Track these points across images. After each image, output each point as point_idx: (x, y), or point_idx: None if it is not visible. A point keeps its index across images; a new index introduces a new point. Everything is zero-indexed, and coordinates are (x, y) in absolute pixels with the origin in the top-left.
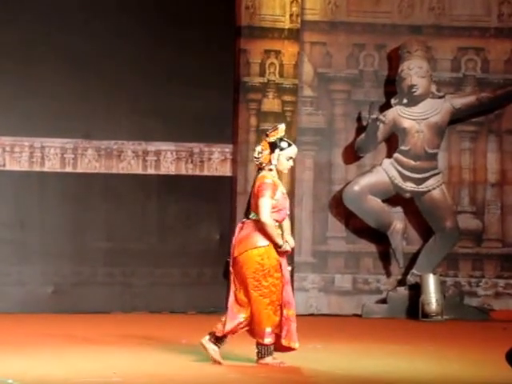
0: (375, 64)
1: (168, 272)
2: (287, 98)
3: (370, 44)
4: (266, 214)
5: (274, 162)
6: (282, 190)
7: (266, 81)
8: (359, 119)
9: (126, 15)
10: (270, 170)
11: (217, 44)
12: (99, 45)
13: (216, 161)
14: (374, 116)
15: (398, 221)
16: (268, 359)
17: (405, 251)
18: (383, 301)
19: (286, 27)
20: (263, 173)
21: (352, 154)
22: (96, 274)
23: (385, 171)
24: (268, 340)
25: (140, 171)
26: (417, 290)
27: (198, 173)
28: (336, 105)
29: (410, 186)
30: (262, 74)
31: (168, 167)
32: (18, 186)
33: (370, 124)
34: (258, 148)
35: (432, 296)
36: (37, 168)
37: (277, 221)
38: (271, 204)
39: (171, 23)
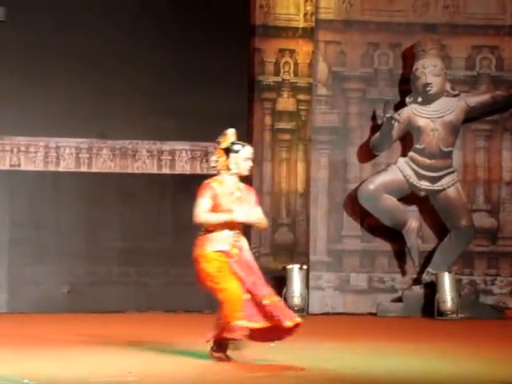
0: (390, 63)
1: (183, 271)
2: (302, 96)
3: (384, 43)
4: (197, 213)
5: (231, 166)
6: (226, 191)
7: (280, 80)
8: (374, 118)
9: (141, 16)
10: (231, 175)
11: (231, 43)
12: (114, 45)
13: None
14: (388, 115)
15: (413, 219)
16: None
17: (420, 250)
18: (398, 299)
19: (301, 26)
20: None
21: (367, 153)
22: (111, 274)
23: (400, 170)
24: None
25: (155, 171)
26: (432, 288)
27: (212, 172)
28: (351, 103)
29: (424, 184)
30: (277, 73)
31: (183, 166)
32: (33, 185)
33: (384, 123)
34: (214, 157)
35: (447, 294)
36: (52, 168)
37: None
38: (207, 203)
39: (185, 23)
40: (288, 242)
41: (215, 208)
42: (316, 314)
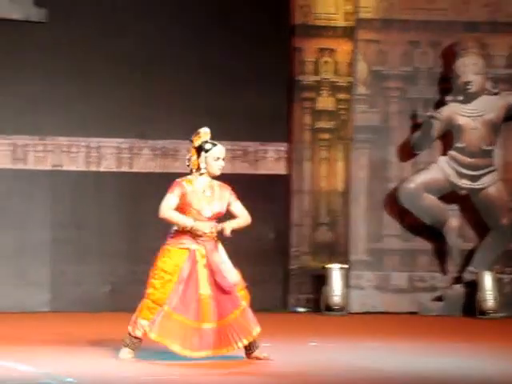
0: (430, 61)
1: None
2: (341, 96)
3: (424, 41)
4: (161, 206)
5: (202, 165)
6: (196, 189)
7: (320, 79)
8: (414, 117)
9: (181, 15)
10: (201, 174)
11: (271, 43)
12: (154, 46)
13: (271, 159)
14: (428, 113)
15: (453, 218)
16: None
17: (461, 248)
18: (439, 298)
19: (340, 25)
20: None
21: (407, 152)
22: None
23: (440, 168)
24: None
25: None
26: (473, 287)
27: (252, 171)
28: (390, 102)
29: (465, 183)
30: (317, 72)
31: (224, 166)
32: (74, 186)
33: (424, 121)
34: (188, 156)
35: (488, 293)
36: (93, 168)
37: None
38: (174, 200)
39: (226, 22)
40: (328, 241)
41: (184, 207)
42: (356, 313)
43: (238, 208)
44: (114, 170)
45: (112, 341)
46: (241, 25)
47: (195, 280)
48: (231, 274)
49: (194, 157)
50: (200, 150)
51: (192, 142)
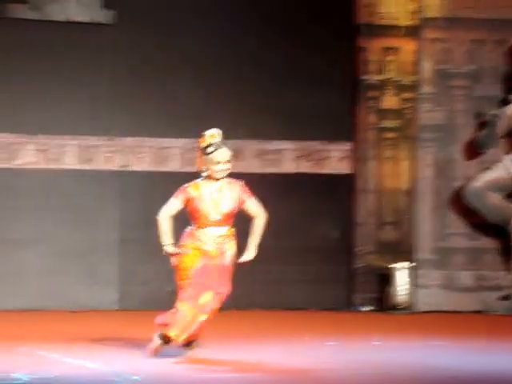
0: (495, 60)
1: (287, 269)
2: (406, 95)
3: (489, 39)
4: (162, 210)
5: (203, 168)
6: (204, 193)
7: (384, 78)
8: (479, 115)
9: (246, 15)
10: (205, 177)
11: (336, 43)
12: (219, 45)
13: (335, 159)
14: (493, 112)
15: None
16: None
17: None
18: (505, 297)
19: (405, 24)
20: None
21: (473, 151)
22: None
23: (505, 167)
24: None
25: (260, 170)
26: None
27: (317, 171)
28: (456, 101)
29: None
30: (381, 71)
31: (287, 166)
32: (142, 186)
33: (489, 120)
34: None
35: None
36: (160, 168)
37: (197, 225)
38: (176, 205)
39: (290, 22)
40: (393, 240)
41: (192, 213)
42: (421, 312)
43: (253, 206)
44: (180, 170)
45: None
46: (305, 25)
47: (205, 278)
48: (228, 283)
49: (199, 159)
50: (203, 152)
51: (199, 144)
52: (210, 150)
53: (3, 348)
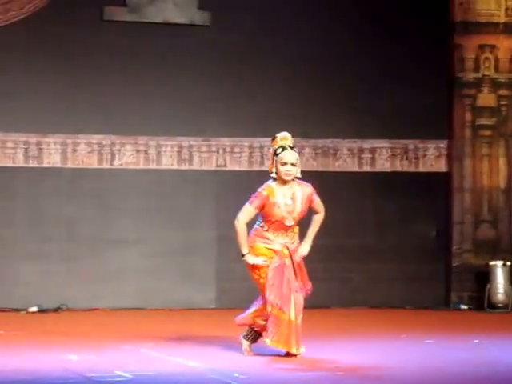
0: None
1: (385, 267)
2: (503, 92)
3: None
4: (239, 218)
5: (273, 169)
6: (278, 200)
7: (480, 76)
8: None
9: (337, 14)
10: (275, 178)
11: (431, 40)
12: (315, 45)
13: (431, 157)
14: None
15: None
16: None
17: None
18: None
19: (502, 21)
20: (268, 182)
21: None
22: (315, 270)
23: None
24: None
25: (355, 169)
26: None
27: (413, 169)
28: None
29: None
30: (477, 69)
31: (383, 164)
32: (238, 184)
33: None
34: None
35: None
36: (256, 167)
37: (269, 228)
38: (252, 212)
39: (385, 21)
40: (490, 239)
41: (266, 217)
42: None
43: (317, 204)
44: None
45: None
46: (401, 23)
47: (287, 278)
48: (307, 280)
49: (270, 161)
50: (274, 154)
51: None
52: (278, 151)
53: (107, 346)
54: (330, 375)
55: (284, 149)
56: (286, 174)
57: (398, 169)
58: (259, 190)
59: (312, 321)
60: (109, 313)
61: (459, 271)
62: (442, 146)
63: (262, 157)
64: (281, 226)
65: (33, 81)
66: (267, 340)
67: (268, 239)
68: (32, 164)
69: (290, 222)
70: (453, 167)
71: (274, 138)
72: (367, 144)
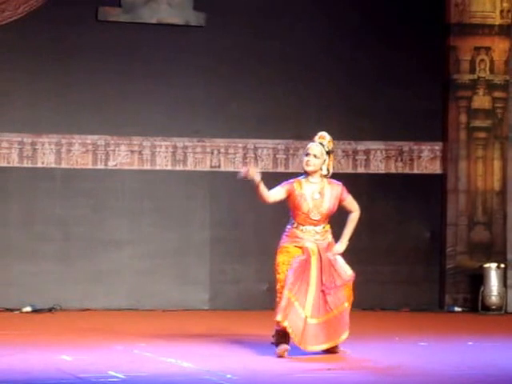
0: None
1: (379, 269)
2: (498, 94)
3: None
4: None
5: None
6: (306, 193)
7: (476, 78)
8: None
9: (334, 16)
10: (305, 174)
11: (426, 42)
12: (313, 47)
13: (426, 159)
14: None
15: None
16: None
17: None
18: None
19: (497, 23)
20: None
21: None
22: None
23: None
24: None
25: (350, 170)
26: None
27: (407, 171)
28: None
29: None
30: (472, 71)
31: (377, 166)
32: (232, 186)
33: None
34: None
35: None
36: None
37: (297, 222)
38: (280, 191)
39: (380, 22)
40: (484, 241)
41: (294, 209)
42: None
43: (350, 202)
44: (270, 170)
45: (269, 338)
46: (396, 25)
47: (307, 275)
48: (345, 271)
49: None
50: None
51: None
52: (308, 145)
53: (100, 346)
54: (321, 377)
55: (312, 142)
56: (307, 164)
57: (393, 170)
58: (290, 180)
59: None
60: (102, 313)
61: (453, 273)
62: (436, 147)
63: (256, 158)
64: (307, 220)
65: (28, 81)
66: (277, 316)
67: (298, 237)
68: (26, 164)
69: (315, 216)
70: (447, 169)
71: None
72: (362, 145)
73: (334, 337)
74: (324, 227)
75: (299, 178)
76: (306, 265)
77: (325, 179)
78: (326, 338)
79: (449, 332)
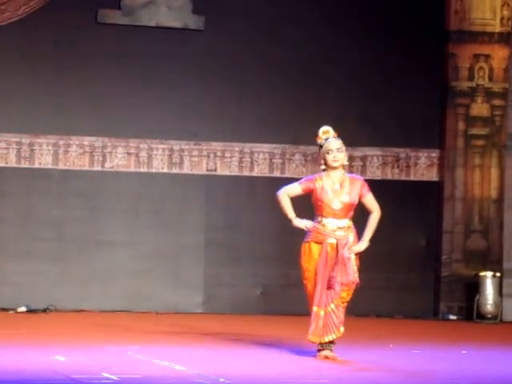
0: None
1: (374, 276)
2: (496, 102)
3: None
4: (283, 188)
5: (321, 161)
6: (326, 185)
7: (474, 85)
8: None
9: (333, 21)
10: (324, 169)
11: (425, 49)
12: (305, 52)
13: (422, 166)
14: None
15: None
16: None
17: None
18: None
19: (497, 31)
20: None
21: None
22: None
23: None
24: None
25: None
26: None
27: (404, 178)
28: None
29: None
30: (471, 78)
31: (374, 172)
32: (228, 189)
33: None
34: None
35: None
36: (246, 173)
37: (320, 215)
38: (297, 189)
39: (379, 29)
40: (481, 249)
41: (316, 202)
42: (510, 322)
43: (370, 200)
44: (267, 174)
45: (262, 343)
46: (395, 31)
47: (329, 272)
48: (353, 272)
49: (319, 156)
50: (319, 147)
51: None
52: (321, 142)
53: (94, 348)
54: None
55: (327, 139)
56: (334, 161)
57: (389, 177)
58: (311, 175)
59: (299, 329)
60: (96, 314)
61: (449, 281)
62: (433, 155)
63: (251, 162)
64: (329, 211)
65: (27, 82)
66: (309, 336)
67: (320, 233)
68: (24, 165)
69: (337, 205)
70: (444, 176)
71: (316, 135)
72: (358, 152)
73: (335, 329)
74: (347, 223)
75: (320, 173)
76: (326, 264)
77: (346, 174)
78: (330, 329)
79: (443, 340)
